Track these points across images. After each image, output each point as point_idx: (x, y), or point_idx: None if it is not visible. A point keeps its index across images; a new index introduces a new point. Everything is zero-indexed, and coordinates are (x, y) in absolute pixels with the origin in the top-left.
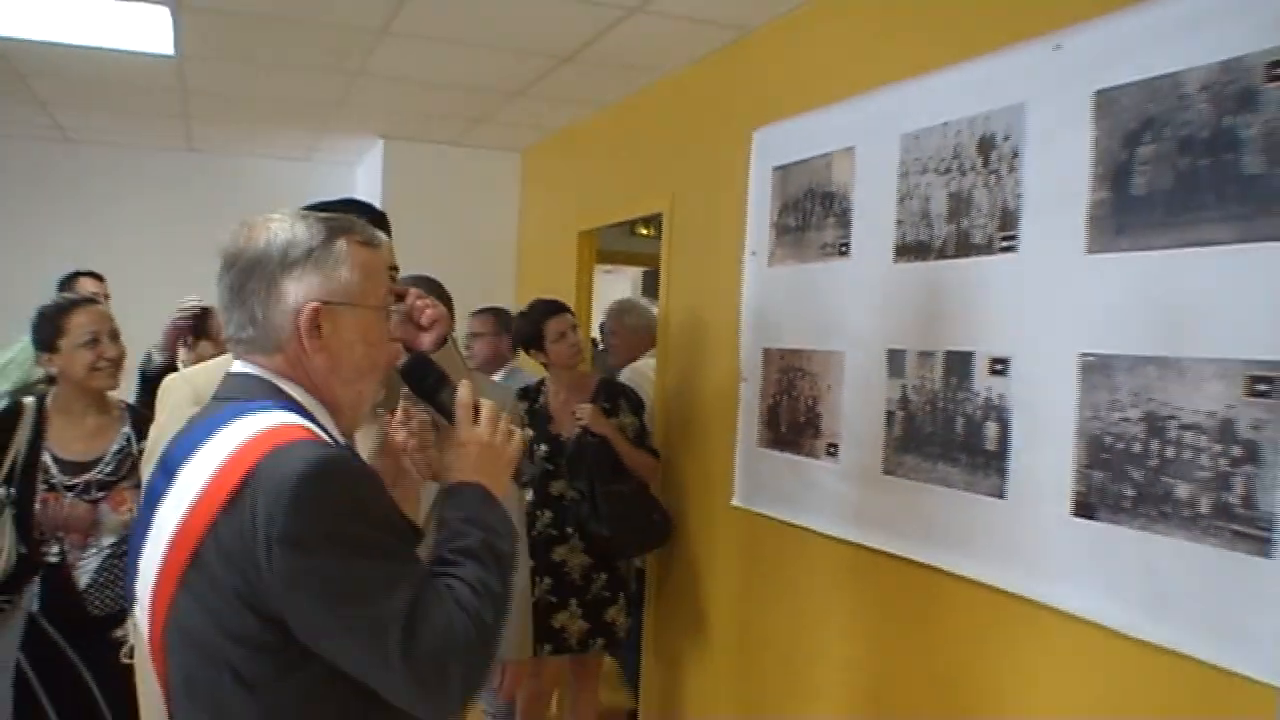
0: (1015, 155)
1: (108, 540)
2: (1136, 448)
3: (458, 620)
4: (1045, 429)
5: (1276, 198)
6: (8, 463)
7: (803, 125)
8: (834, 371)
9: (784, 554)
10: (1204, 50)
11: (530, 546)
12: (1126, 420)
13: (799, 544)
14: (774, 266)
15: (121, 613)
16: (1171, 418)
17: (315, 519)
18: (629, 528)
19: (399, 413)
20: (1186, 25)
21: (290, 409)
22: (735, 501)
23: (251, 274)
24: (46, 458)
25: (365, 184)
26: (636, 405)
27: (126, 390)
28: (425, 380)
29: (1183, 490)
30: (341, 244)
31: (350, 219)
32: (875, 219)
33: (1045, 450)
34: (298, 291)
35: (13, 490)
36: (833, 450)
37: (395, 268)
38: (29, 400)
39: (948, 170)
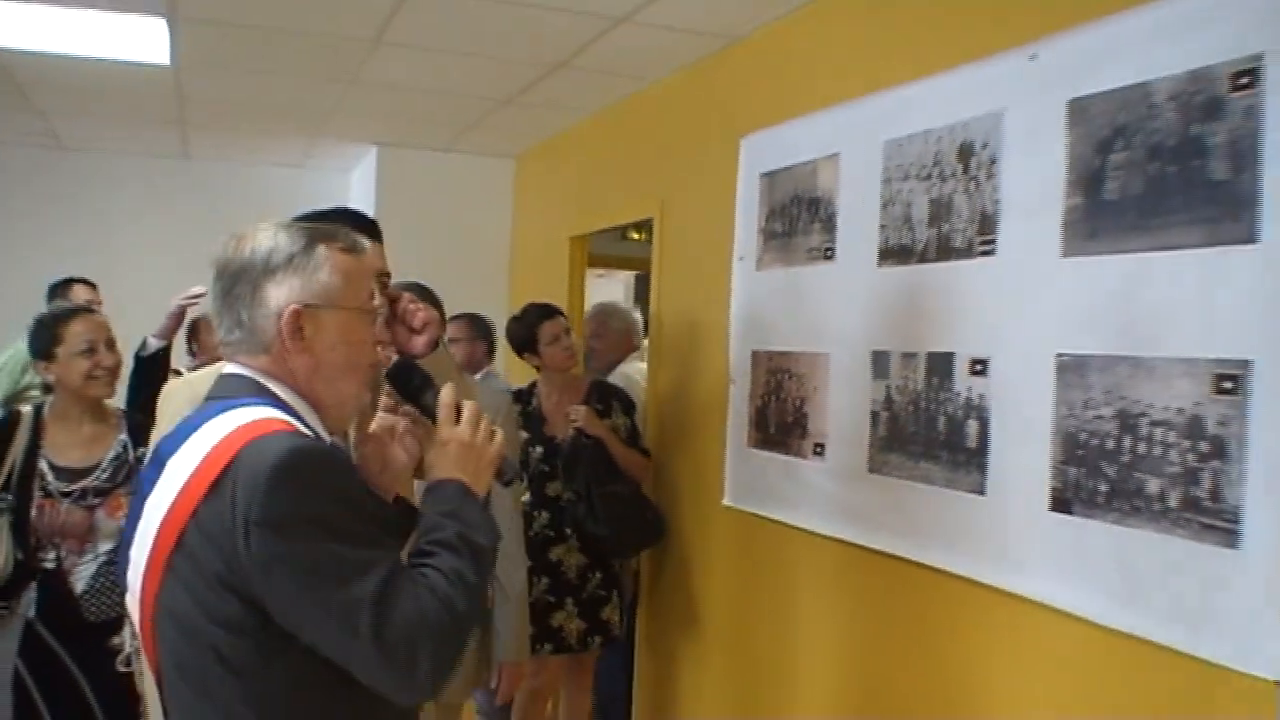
0: (993, 162)
1: (104, 547)
2: (1110, 444)
3: (429, 606)
4: (1023, 427)
5: (1241, 203)
6: (5, 470)
7: (789, 132)
8: (820, 373)
9: (774, 551)
10: (1172, 61)
11: (527, 547)
12: (1100, 418)
13: (788, 542)
14: (762, 270)
15: (118, 619)
16: (1143, 415)
17: (289, 503)
18: (626, 528)
19: (382, 400)
20: (1155, 37)
21: (275, 406)
22: (726, 501)
23: (238, 280)
24: (43, 465)
25: (359, 190)
26: (628, 406)
27: (123, 392)
28: (410, 383)
29: (1153, 485)
30: (322, 250)
31: (334, 227)
32: (859, 224)
33: (1023, 447)
34: (280, 295)
35: (10, 497)
36: (819, 450)
37: (387, 274)
38: (26, 409)
39: (929, 176)
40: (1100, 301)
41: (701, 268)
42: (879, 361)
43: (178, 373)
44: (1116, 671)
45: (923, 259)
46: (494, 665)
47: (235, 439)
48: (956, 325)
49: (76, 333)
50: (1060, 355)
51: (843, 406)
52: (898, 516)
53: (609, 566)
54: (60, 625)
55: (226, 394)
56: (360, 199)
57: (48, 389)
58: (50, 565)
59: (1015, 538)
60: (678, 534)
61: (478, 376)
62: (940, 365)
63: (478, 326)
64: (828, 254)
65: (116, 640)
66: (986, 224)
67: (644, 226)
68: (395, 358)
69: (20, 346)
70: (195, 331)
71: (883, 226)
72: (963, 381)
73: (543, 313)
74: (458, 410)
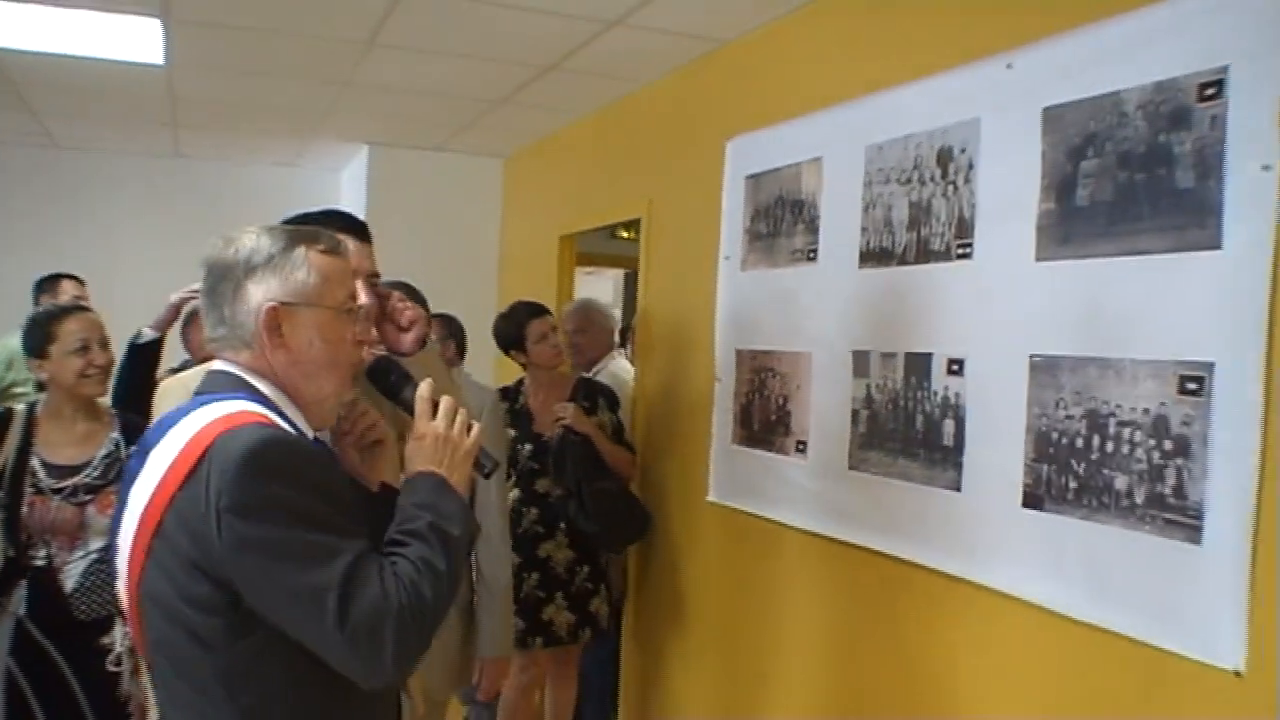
0: (971, 167)
1: (95, 544)
2: (1079, 443)
3: (394, 592)
4: (997, 426)
5: (1206, 210)
6: None
7: (773, 136)
8: (803, 372)
9: (757, 547)
10: (1141, 71)
11: (516, 543)
12: (1070, 417)
13: (771, 537)
14: (747, 271)
15: (108, 618)
16: (1111, 415)
17: (258, 490)
18: (615, 523)
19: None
20: (1125, 47)
21: (257, 401)
22: (711, 497)
23: (222, 278)
24: (35, 462)
25: (350, 189)
26: (613, 403)
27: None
28: (388, 379)
29: (1121, 482)
30: (301, 251)
31: (315, 230)
32: (841, 226)
33: (997, 446)
34: (259, 294)
35: (1, 494)
36: (802, 447)
37: (377, 274)
38: (20, 407)
39: (909, 181)
40: (1072, 304)
41: (688, 267)
42: (859, 361)
43: (161, 343)
44: (1084, 663)
45: (902, 261)
46: (476, 661)
47: (211, 430)
48: (934, 326)
49: (70, 331)
50: (1033, 356)
51: (824, 405)
52: (877, 512)
53: (596, 560)
54: (50, 624)
55: (212, 389)
56: (351, 197)
57: (41, 386)
58: (41, 563)
59: (989, 533)
60: (665, 529)
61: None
62: (918, 365)
63: (448, 326)
64: (810, 255)
65: (106, 640)
66: (964, 228)
67: (633, 225)
68: (377, 355)
69: (5, 343)
70: (188, 324)
71: (864, 229)
72: (940, 381)
73: (530, 311)
74: (435, 405)
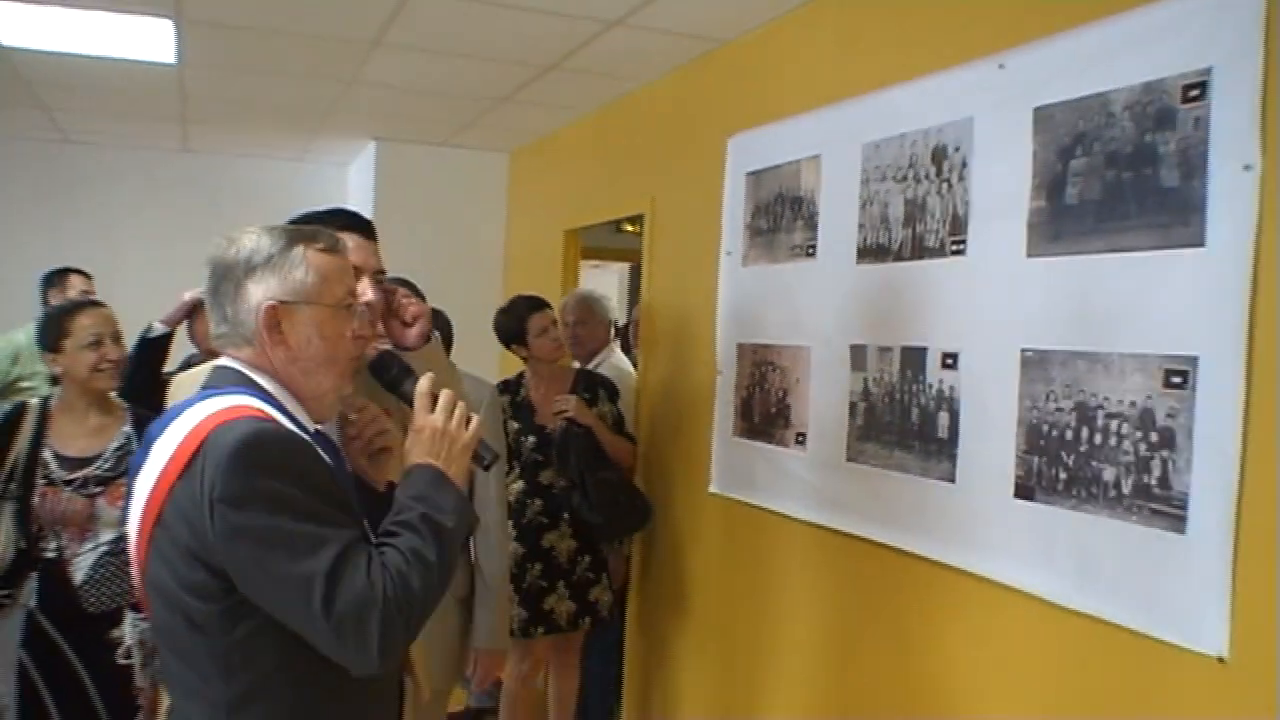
0: (964, 165)
1: (105, 536)
2: (1069, 435)
3: (380, 582)
4: (990, 418)
5: (1190, 208)
6: (10, 460)
7: (774, 133)
8: (802, 365)
9: (758, 537)
10: (1128, 72)
11: (521, 534)
12: (1060, 410)
13: (771, 527)
14: (748, 266)
15: (117, 611)
16: (1099, 407)
17: (248, 482)
18: (618, 513)
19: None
20: (1113, 49)
21: (255, 395)
22: (713, 488)
23: (224, 278)
24: (47, 454)
25: (358, 184)
26: (613, 394)
27: None
28: (389, 372)
29: (1108, 473)
30: (299, 250)
31: (314, 229)
32: (839, 223)
33: (990, 438)
34: (258, 292)
35: (14, 486)
36: (801, 439)
37: (382, 270)
38: (34, 401)
39: (905, 178)
40: (1061, 300)
41: (690, 262)
42: (857, 355)
43: (170, 338)
44: (1074, 649)
45: (898, 257)
46: (471, 652)
47: (207, 424)
48: (929, 321)
49: (84, 326)
50: (1025, 350)
51: (823, 398)
52: (874, 503)
53: (597, 550)
54: (60, 616)
55: (216, 384)
56: (358, 192)
57: (55, 381)
58: (51, 555)
59: (982, 523)
60: (668, 520)
61: None
62: (914, 359)
63: (435, 320)
64: (809, 251)
65: (116, 633)
66: (958, 225)
67: (638, 219)
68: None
69: (11, 337)
70: (194, 319)
71: (861, 225)
72: (934, 375)
73: (531, 305)
74: (434, 399)
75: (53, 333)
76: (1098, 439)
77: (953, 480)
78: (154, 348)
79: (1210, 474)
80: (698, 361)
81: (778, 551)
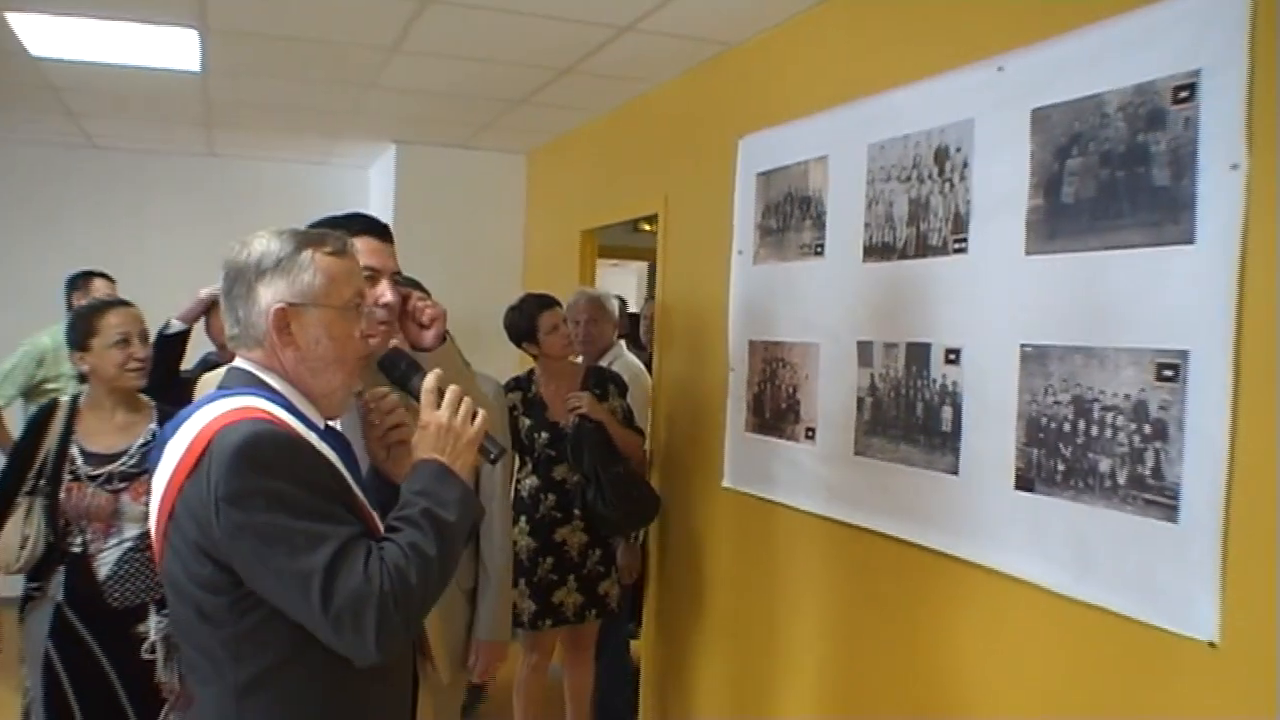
0: (966, 165)
1: (130, 531)
2: (1066, 428)
3: (377, 577)
4: (991, 412)
5: (1180, 207)
6: (40, 456)
7: (783, 135)
8: (811, 362)
9: (769, 530)
10: (1121, 74)
11: (534, 528)
12: (1058, 403)
13: (782, 521)
14: (758, 264)
15: (142, 607)
16: (1095, 401)
17: (249, 481)
18: (631, 507)
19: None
20: (1106, 52)
21: (264, 396)
22: (725, 483)
23: (236, 281)
24: (74, 450)
25: (379, 186)
26: (622, 389)
27: None
28: (397, 369)
29: (1104, 464)
30: (307, 254)
31: (323, 232)
32: (846, 222)
33: (991, 431)
34: (268, 295)
35: (44, 482)
36: (810, 434)
37: (398, 272)
38: (65, 398)
39: (908, 178)
40: (1059, 297)
41: (703, 261)
42: (864, 351)
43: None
44: (1072, 636)
45: (903, 256)
46: (472, 644)
47: (214, 424)
48: (933, 318)
49: (112, 325)
50: (1024, 346)
51: (831, 393)
52: (880, 496)
53: (608, 544)
54: (86, 611)
55: (228, 385)
56: (379, 194)
57: (83, 379)
58: (77, 549)
59: (984, 514)
60: (682, 513)
61: None
62: (918, 355)
63: None
64: (818, 250)
65: (141, 628)
66: (960, 223)
67: (654, 219)
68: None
69: (36, 340)
70: (210, 316)
71: (867, 224)
72: (938, 370)
73: (540, 303)
74: (440, 394)
75: (81, 331)
76: (1094, 431)
77: (956, 473)
78: (171, 344)
79: (1201, 464)
80: (711, 359)
81: (789, 544)
